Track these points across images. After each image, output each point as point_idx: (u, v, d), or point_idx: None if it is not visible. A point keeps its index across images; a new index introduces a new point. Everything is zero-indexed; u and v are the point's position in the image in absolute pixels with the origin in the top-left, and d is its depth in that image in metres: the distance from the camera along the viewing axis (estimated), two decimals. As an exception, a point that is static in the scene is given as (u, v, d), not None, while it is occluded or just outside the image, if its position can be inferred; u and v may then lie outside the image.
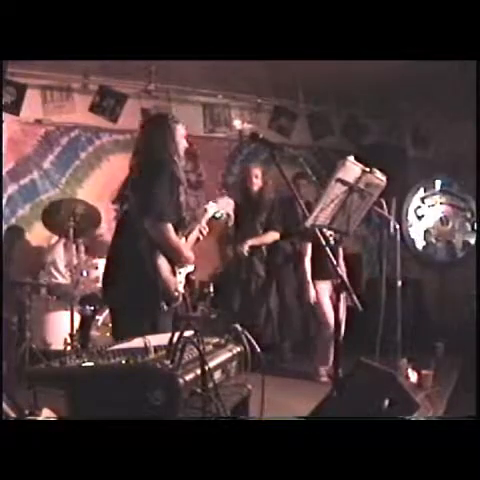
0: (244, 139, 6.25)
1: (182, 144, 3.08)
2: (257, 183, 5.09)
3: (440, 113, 6.13)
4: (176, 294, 2.91)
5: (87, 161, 5.89)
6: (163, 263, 2.88)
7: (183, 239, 3.06)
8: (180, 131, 3.07)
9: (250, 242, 4.98)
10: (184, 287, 3.09)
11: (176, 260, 2.96)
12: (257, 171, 5.12)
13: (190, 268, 3.16)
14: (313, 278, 4.77)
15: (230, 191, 6.15)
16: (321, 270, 4.59)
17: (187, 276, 3.13)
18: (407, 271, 5.64)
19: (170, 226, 2.87)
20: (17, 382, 3.47)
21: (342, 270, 4.84)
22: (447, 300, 6.34)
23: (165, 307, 2.81)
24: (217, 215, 3.45)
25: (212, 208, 3.36)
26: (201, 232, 3.21)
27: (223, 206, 3.44)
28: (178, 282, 2.98)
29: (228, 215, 3.52)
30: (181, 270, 3.04)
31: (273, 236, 5.15)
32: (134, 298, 2.81)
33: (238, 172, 6.22)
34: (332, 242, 4.22)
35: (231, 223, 3.90)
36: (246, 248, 4.95)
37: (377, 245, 6.66)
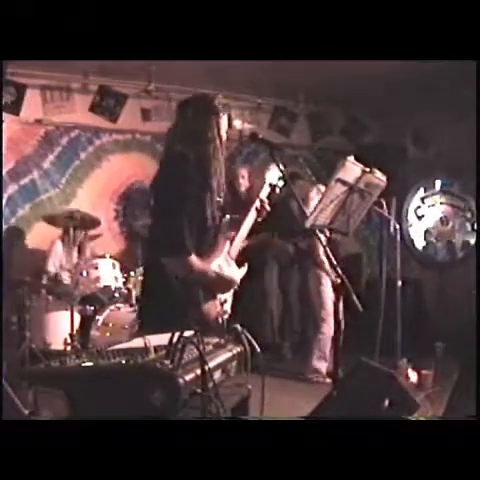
0: (244, 139, 6.24)
1: (224, 141, 2.55)
2: (244, 183, 5.08)
3: (440, 113, 6.13)
4: (220, 321, 2.49)
5: (87, 161, 5.90)
6: (198, 294, 2.44)
7: (224, 249, 2.57)
8: (226, 121, 2.56)
9: (240, 246, 4.90)
10: (232, 306, 2.64)
11: (214, 288, 2.51)
12: (244, 172, 5.11)
13: (241, 274, 2.66)
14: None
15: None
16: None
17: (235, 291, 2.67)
18: (407, 271, 5.64)
19: (193, 259, 2.38)
20: (17, 382, 3.46)
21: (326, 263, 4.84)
22: (447, 300, 6.34)
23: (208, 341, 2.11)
24: (280, 183, 2.81)
25: (269, 175, 2.76)
26: (260, 210, 2.68)
27: (277, 175, 2.81)
28: (221, 304, 2.54)
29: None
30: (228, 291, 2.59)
31: (262, 237, 5.09)
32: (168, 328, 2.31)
33: (228, 173, 6.20)
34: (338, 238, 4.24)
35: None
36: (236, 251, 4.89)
37: (377, 245, 6.67)
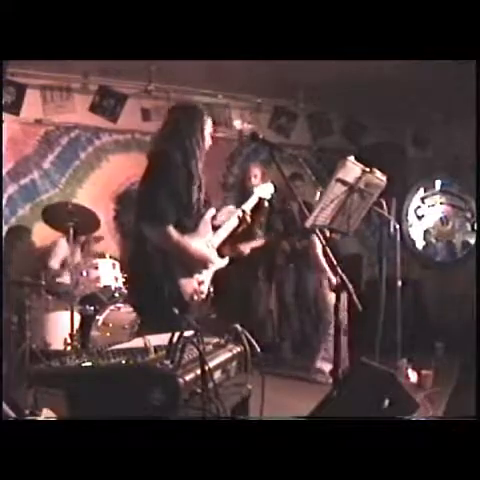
0: (244, 139, 6.25)
1: (208, 141, 2.84)
2: (256, 183, 5.07)
3: (440, 113, 6.13)
4: (195, 298, 2.66)
5: (87, 161, 5.90)
6: (175, 267, 2.64)
7: (206, 237, 2.81)
8: (209, 127, 2.86)
9: (253, 244, 4.96)
10: (209, 287, 2.84)
11: (190, 263, 2.71)
12: (256, 171, 5.09)
13: (221, 263, 2.91)
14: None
15: (231, 191, 6.15)
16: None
17: (215, 274, 2.87)
18: (407, 271, 5.64)
19: (171, 229, 2.61)
20: (17, 382, 3.47)
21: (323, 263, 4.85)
22: (447, 300, 6.34)
23: (176, 311, 2.36)
24: (267, 196, 3.23)
25: (259, 189, 3.13)
26: (242, 219, 2.99)
27: (268, 190, 3.23)
28: (198, 283, 2.72)
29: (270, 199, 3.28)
30: (203, 270, 2.78)
31: (272, 238, 5.15)
32: (150, 305, 2.62)
33: (238, 172, 6.22)
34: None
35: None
36: (248, 249, 4.93)
37: (377, 245, 6.67)
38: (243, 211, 3.00)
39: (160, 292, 2.58)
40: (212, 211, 2.89)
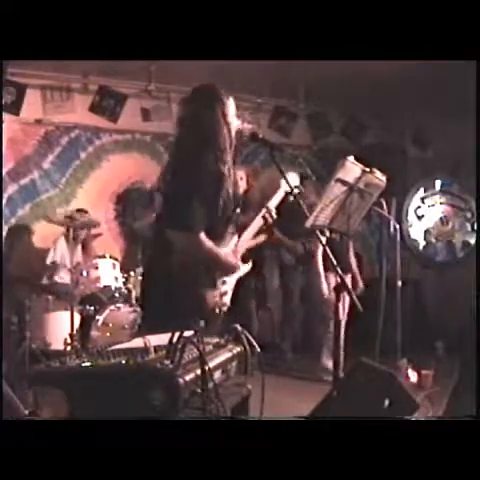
0: (244, 139, 6.23)
1: (234, 124, 2.55)
2: (242, 185, 5.04)
3: (440, 113, 6.12)
4: (217, 310, 2.47)
5: (87, 161, 5.89)
6: (200, 276, 2.43)
7: (231, 242, 2.57)
8: (232, 108, 2.56)
9: (246, 245, 4.92)
10: (233, 295, 2.60)
11: (217, 271, 2.49)
12: (241, 173, 5.08)
13: (244, 269, 2.67)
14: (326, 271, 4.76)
15: None
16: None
17: (238, 282, 2.65)
18: (407, 271, 5.64)
19: (202, 237, 2.36)
20: (17, 382, 3.46)
21: (353, 264, 4.86)
22: (447, 300, 6.34)
23: (201, 323, 2.03)
24: (296, 190, 2.70)
25: (289, 180, 2.67)
26: (267, 218, 2.74)
27: (294, 181, 2.80)
28: (221, 295, 2.52)
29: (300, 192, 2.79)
30: (227, 279, 2.56)
31: (265, 237, 5.10)
32: (168, 319, 2.21)
33: None
34: (338, 239, 4.25)
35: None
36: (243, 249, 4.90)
37: (377, 245, 6.67)
38: (267, 208, 2.74)
39: (180, 303, 2.34)
40: (237, 212, 2.62)
